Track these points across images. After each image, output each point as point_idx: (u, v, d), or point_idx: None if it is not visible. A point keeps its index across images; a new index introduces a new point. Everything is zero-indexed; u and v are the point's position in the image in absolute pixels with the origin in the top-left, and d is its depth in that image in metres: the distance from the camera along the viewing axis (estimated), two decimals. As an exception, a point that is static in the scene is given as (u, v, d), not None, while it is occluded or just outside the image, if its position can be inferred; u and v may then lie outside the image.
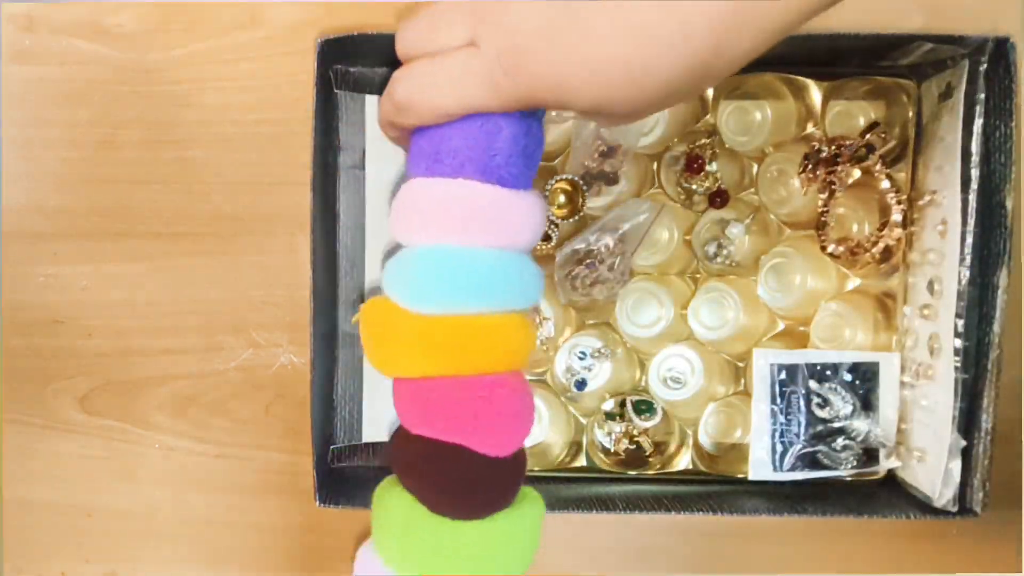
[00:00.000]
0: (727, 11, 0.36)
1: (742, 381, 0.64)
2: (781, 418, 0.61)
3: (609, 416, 0.64)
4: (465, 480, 0.45)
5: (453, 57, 0.41)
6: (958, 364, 0.56)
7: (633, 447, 0.64)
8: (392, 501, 0.48)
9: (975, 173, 0.54)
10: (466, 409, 0.44)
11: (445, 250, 0.44)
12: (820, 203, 0.61)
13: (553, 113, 0.60)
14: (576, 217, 0.61)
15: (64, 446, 0.63)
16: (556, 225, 0.61)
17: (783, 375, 0.61)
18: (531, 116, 0.44)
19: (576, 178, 0.60)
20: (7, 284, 0.62)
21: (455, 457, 0.44)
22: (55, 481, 0.63)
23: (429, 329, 0.44)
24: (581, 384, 0.64)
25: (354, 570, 0.53)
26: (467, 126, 0.42)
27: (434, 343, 0.44)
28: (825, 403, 0.61)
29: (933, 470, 0.58)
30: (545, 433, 0.65)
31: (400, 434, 0.48)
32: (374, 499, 0.50)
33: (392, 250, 0.54)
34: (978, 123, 0.54)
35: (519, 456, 0.47)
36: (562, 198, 0.61)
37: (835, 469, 0.61)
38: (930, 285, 0.58)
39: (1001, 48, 0.54)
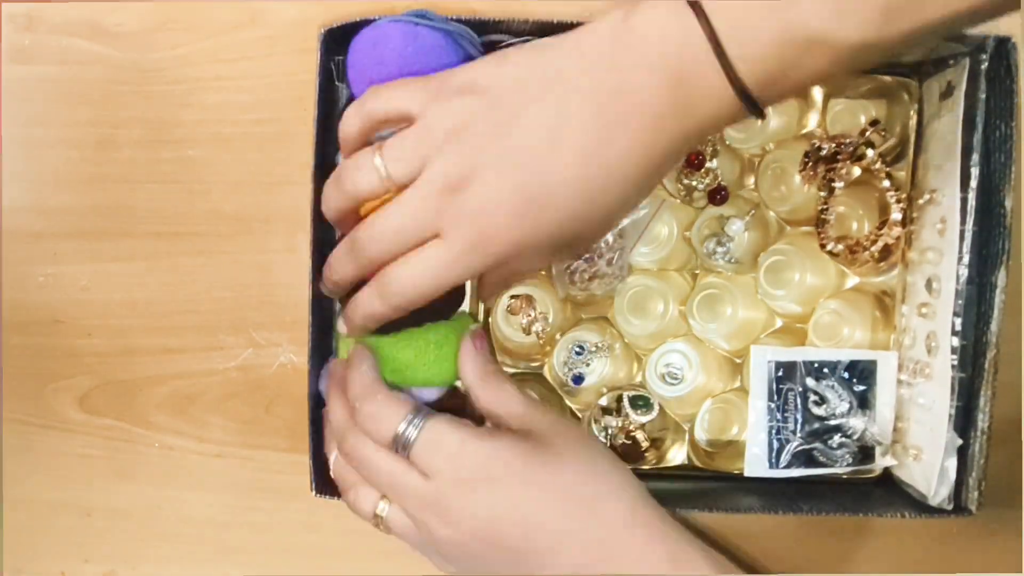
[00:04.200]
0: (633, 149, 0.43)
1: (739, 378, 0.63)
2: (778, 415, 0.61)
3: (606, 411, 0.63)
4: None
5: (426, 253, 0.46)
6: (955, 363, 0.55)
7: (629, 442, 0.63)
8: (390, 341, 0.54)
9: (975, 172, 0.54)
10: None
11: None
12: (820, 201, 0.60)
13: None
14: None
15: (64, 446, 0.62)
16: None
17: (780, 372, 0.61)
18: (447, 32, 0.52)
19: None
20: (7, 284, 0.61)
21: None
22: (55, 481, 0.62)
23: None
24: (578, 379, 0.63)
25: (323, 391, 0.56)
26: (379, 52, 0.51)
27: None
28: (822, 401, 0.61)
29: (929, 468, 0.57)
30: None
31: None
32: (334, 335, 0.57)
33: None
34: (978, 122, 0.54)
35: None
36: None
37: (831, 467, 0.61)
38: (928, 284, 0.57)
39: (1002, 48, 0.54)
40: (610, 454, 0.50)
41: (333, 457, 0.52)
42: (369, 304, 0.49)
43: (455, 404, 0.54)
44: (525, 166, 0.43)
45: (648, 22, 0.41)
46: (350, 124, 0.49)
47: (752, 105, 0.41)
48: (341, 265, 0.50)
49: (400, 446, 0.48)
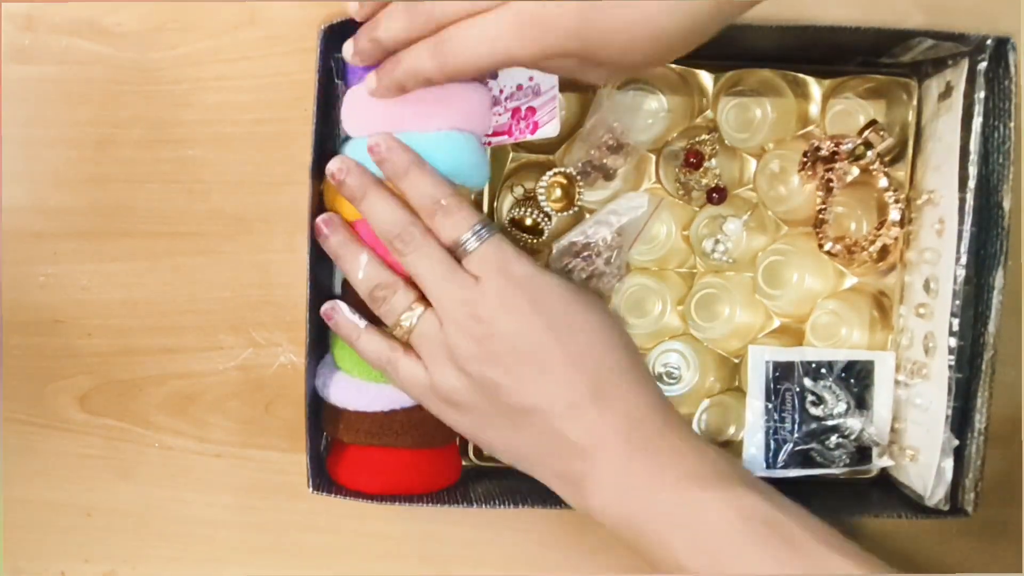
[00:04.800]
0: None
1: (736, 378, 0.63)
2: (775, 415, 0.61)
3: None
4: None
5: (489, 17, 0.44)
6: (952, 364, 0.55)
7: None
8: None
9: (973, 173, 0.54)
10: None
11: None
12: (818, 201, 0.60)
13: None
14: (572, 211, 0.60)
15: (64, 445, 0.62)
16: (549, 217, 0.60)
17: (778, 372, 0.61)
18: None
19: (572, 171, 0.59)
20: (7, 284, 0.61)
21: None
22: (55, 480, 0.62)
23: None
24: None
25: (319, 387, 0.57)
26: None
27: None
28: (819, 401, 0.61)
29: (925, 469, 0.57)
30: None
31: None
32: (338, 346, 0.57)
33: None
34: (977, 123, 0.54)
35: None
36: (558, 192, 0.60)
37: (828, 467, 0.61)
38: (926, 284, 0.57)
39: (1001, 48, 0.54)
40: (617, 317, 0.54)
41: (364, 259, 0.52)
42: (418, 60, 0.47)
43: None
44: None
45: None
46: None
47: None
48: (392, 20, 0.48)
49: (462, 249, 0.50)
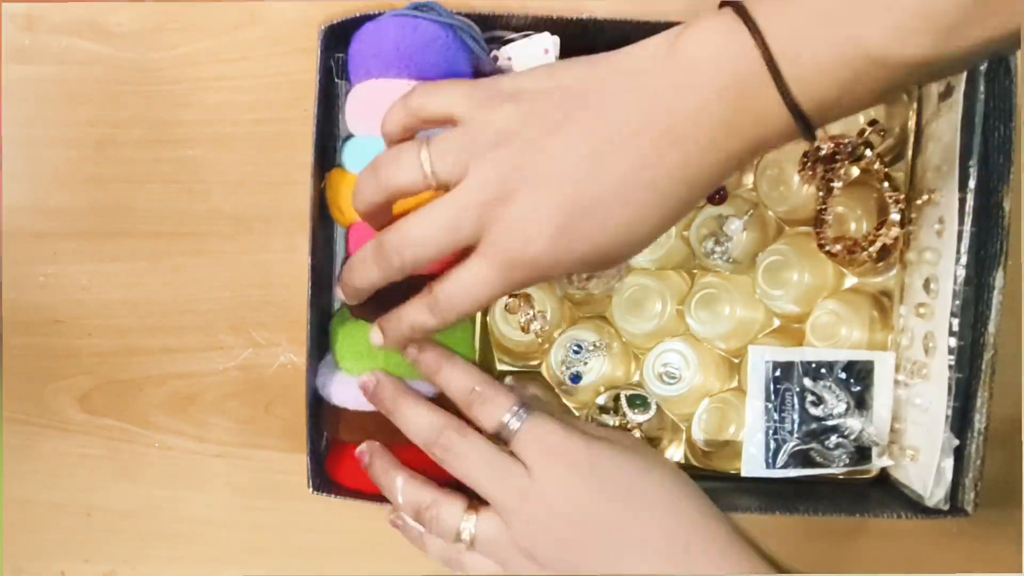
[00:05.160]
0: (680, 167, 0.42)
1: (737, 378, 0.63)
2: (775, 415, 0.60)
3: (603, 410, 0.63)
4: (394, 294, 0.51)
5: (471, 271, 0.45)
6: (952, 364, 0.55)
7: None
8: (345, 324, 0.56)
9: (973, 173, 0.53)
10: None
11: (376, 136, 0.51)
12: (818, 201, 0.60)
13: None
14: None
15: (64, 445, 0.62)
16: None
17: (778, 372, 0.60)
18: (448, 25, 0.53)
19: None
20: (7, 284, 0.61)
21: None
22: (55, 481, 0.62)
23: None
24: (576, 377, 0.63)
25: (320, 387, 0.57)
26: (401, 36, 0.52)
27: None
28: (819, 401, 0.60)
29: (925, 469, 0.57)
30: None
31: None
32: (331, 329, 0.58)
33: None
34: (977, 123, 0.53)
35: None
36: None
37: (828, 467, 0.60)
38: (926, 284, 0.57)
39: None
40: (676, 468, 0.52)
41: (400, 483, 0.52)
42: (419, 316, 0.48)
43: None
44: (566, 183, 0.42)
45: (701, 41, 0.40)
46: (394, 117, 0.47)
47: (806, 126, 0.40)
48: (366, 268, 0.48)
49: (507, 432, 0.49)
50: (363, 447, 0.54)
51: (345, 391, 0.55)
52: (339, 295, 0.52)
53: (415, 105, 0.46)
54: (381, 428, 0.55)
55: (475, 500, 0.50)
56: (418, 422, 0.51)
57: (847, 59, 0.38)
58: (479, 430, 0.51)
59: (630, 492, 0.48)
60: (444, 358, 0.52)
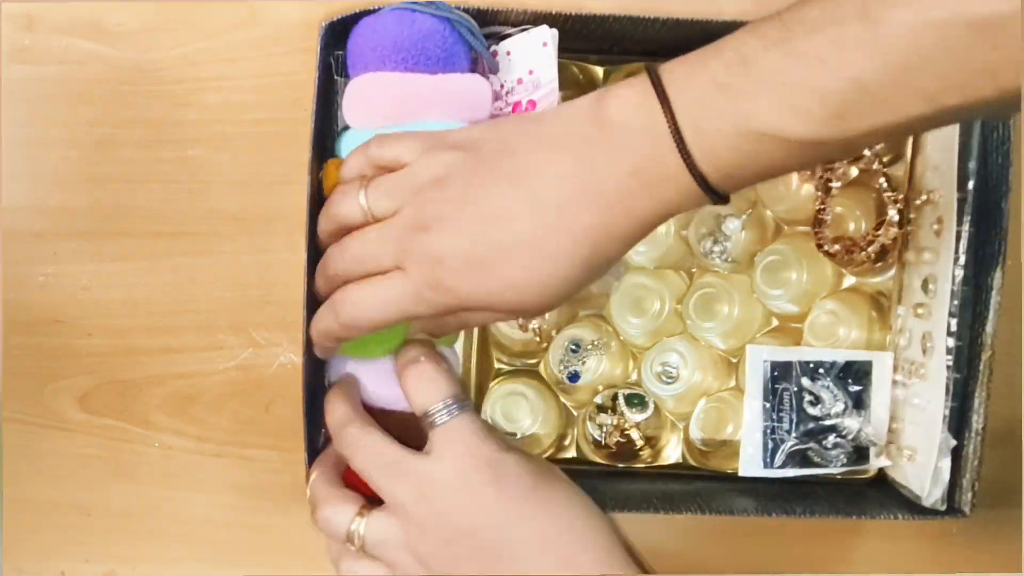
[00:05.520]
0: (593, 226, 0.43)
1: (735, 377, 0.63)
2: (773, 415, 0.61)
3: (601, 409, 0.63)
4: None
5: (385, 282, 0.47)
6: (950, 364, 0.55)
7: (624, 440, 0.63)
8: None
9: (972, 173, 0.54)
10: None
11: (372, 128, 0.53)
12: (817, 201, 0.60)
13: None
14: None
15: (64, 445, 0.62)
16: None
17: (776, 372, 0.60)
18: (446, 19, 0.53)
19: None
20: (7, 284, 0.60)
21: None
22: (55, 480, 0.62)
23: None
24: (574, 376, 0.63)
25: (330, 381, 0.56)
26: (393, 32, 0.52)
27: None
28: (817, 401, 0.60)
29: (923, 469, 0.57)
30: (537, 424, 0.64)
31: None
32: None
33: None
34: (976, 123, 0.53)
35: None
36: None
37: (825, 467, 0.61)
38: (924, 284, 0.57)
39: None
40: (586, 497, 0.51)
41: (314, 475, 0.51)
42: (324, 319, 0.50)
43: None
44: (484, 224, 0.44)
45: (619, 105, 0.42)
46: (353, 164, 0.51)
47: (712, 192, 0.42)
48: (316, 277, 0.51)
49: (429, 421, 0.48)
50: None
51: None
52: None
53: (372, 155, 0.50)
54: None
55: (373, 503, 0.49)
56: (331, 414, 0.51)
57: (745, 132, 0.39)
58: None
59: (525, 499, 0.47)
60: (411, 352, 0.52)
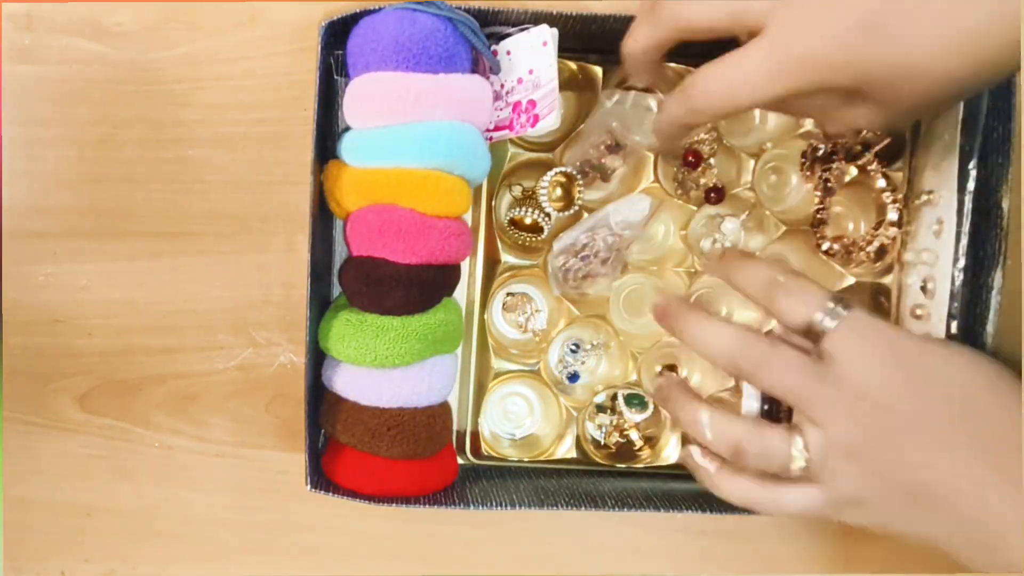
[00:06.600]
0: None
1: (734, 377, 0.61)
2: (772, 415, 0.59)
3: (600, 409, 0.63)
4: (384, 279, 0.53)
5: (745, 58, 0.42)
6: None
7: (623, 440, 0.63)
8: (340, 315, 0.55)
9: (972, 173, 0.53)
10: (378, 226, 0.53)
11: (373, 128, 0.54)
12: (816, 201, 0.60)
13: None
14: (572, 210, 0.60)
15: (64, 445, 0.61)
16: (549, 216, 0.59)
17: (775, 372, 0.59)
18: (447, 19, 0.52)
19: (572, 171, 0.59)
20: (7, 284, 0.60)
21: (375, 265, 0.53)
22: (55, 480, 0.62)
23: (359, 176, 0.54)
24: (574, 377, 0.63)
25: (326, 380, 0.57)
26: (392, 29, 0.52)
27: (362, 185, 0.54)
28: (816, 400, 0.59)
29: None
30: (537, 424, 0.64)
31: (347, 260, 0.56)
32: (323, 321, 0.56)
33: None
34: (977, 123, 0.53)
35: (435, 270, 0.55)
36: (559, 191, 0.60)
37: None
38: (924, 285, 0.56)
39: None
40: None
41: (705, 417, 0.47)
42: (671, 108, 0.46)
43: None
44: None
45: None
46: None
47: None
48: (637, 26, 0.47)
49: (818, 330, 0.45)
50: (661, 381, 0.50)
51: (345, 380, 0.55)
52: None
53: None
54: (375, 438, 0.54)
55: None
56: (717, 338, 0.46)
57: None
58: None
59: (951, 397, 0.43)
60: (737, 256, 0.48)
